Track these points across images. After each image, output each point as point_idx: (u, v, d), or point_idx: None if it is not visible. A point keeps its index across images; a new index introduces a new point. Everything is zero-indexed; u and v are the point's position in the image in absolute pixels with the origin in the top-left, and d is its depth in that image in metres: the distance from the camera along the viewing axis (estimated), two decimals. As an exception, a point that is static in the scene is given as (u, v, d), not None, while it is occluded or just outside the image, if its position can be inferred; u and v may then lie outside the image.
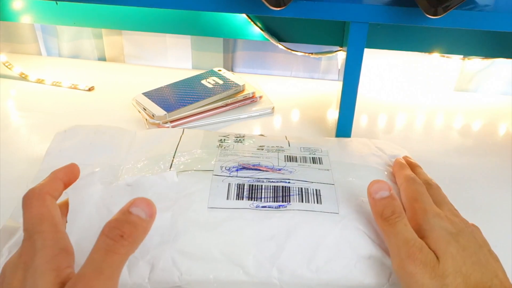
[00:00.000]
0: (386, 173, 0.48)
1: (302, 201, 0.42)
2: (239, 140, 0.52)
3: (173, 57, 0.84)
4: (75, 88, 0.75)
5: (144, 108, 0.64)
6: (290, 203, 0.41)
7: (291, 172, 0.45)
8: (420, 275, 0.33)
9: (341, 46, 0.73)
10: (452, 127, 0.67)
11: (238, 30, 0.74)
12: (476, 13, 0.52)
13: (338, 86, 0.65)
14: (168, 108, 0.63)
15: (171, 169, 0.44)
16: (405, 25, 0.55)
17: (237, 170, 0.45)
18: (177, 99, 0.65)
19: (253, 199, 0.42)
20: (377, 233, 0.40)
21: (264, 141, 0.52)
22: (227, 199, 0.41)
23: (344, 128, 0.61)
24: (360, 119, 0.68)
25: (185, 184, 0.43)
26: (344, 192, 0.43)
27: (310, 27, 0.73)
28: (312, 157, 0.49)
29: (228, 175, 0.44)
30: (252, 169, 0.45)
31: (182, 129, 0.54)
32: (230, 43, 0.81)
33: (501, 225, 0.48)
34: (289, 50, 0.76)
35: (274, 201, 0.42)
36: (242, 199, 0.41)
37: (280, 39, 0.75)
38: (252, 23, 0.73)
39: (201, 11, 0.70)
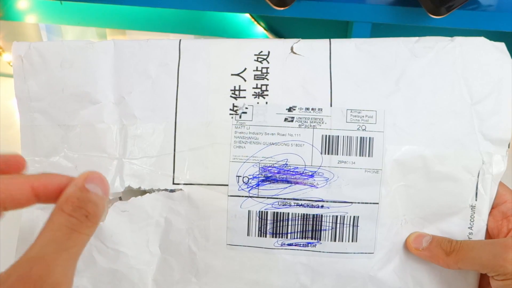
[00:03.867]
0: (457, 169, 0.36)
1: (335, 240, 0.35)
2: (261, 89, 0.37)
3: (176, 56, 0.84)
4: (79, 87, 0.75)
5: (148, 108, 0.64)
6: (320, 241, 0.35)
7: (327, 180, 0.35)
8: None
9: (344, 46, 0.73)
10: (455, 127, 0.67)
11: (241, 29, 0.75)
12: (479, 13, 0.52)
13: (341, 85, 0.65)
14: (171, 107, 0.63)
15: (175, 179, 0.36)
16: (408, 25, 0.55)
17: (257, 185, 0.35)
18: (180, 98, 0.65)
19: (278, 235, 0.35)
20: (412, 273, 0.36)
21: (295, 89, 0.38)
22: (247, 235, 0.35)
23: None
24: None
25: (195, 208, 0.36)
26: (389, 212, 0.35)
27: (313, 27, 0.73)
28: (361, 138, 0.36)
29: (247, 193, 0.35)
30: (278, 180, 0.35)
31: (178, 43, 0.39)
32: (234, 42, 0.81)
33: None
34: (292, 50, 0.76)
35: (303, 237, 0.35)
36: (266, 236, 0.35)
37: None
38: (255, 23, 0.73)
39: (204, 10, 0.70)
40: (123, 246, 0.35)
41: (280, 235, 0.35)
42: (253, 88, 0.37)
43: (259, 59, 0.38)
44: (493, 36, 0.71)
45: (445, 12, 0.49)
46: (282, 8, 0.51)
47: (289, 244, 0.35)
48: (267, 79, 0.37)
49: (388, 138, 0.36)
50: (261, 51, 0.38)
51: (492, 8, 0.53)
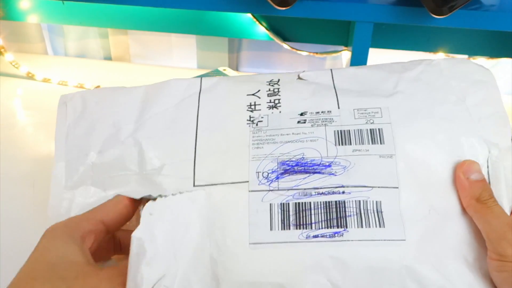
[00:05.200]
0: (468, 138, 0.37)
1: (362, 226, 0.34)
2: (274, 102, 0.40)
3: (178, 56, 0.84)
4: (81, 87, 0.75)
5: (149, 107, 0.64)
6: (347, 229, 0.34)
7: (344, 168, 0.36)
8: None
9: (346, 46, 0.73)
10: (457, 127, 0.67)
11: (243, 29, 0.75)
12: (482, 13, 0.52)
13: (343, 85, 0.65)
14: (173, 107, 0.63)
15: (196, 181, 0.36)
16: (410, 25, 0.55)
17: (277, 178, 0.36)
18: (182, 98, 0.65)
19: (302, 226, 0.34)
20: (452, 265, 0.34)
21: (305, 97, 0.40)
22: (270, 229, 0.34)
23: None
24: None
25: (216, 209, 0.35)
26: (410, 199, 0.35)
27: (315, 27, 0.73)
28: (370, 130, 0.38)
29: (268, 187, 0.35)
30: (296, 171, 0.36)
31: (199, 82, 0.43)
32: (235, 42, 0.81)
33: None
34: (294, 50, 0.76)
35: (328, 227, 0.34)
36: (289, 228, 0.34)
37: (285, 38, 0.75)
38: (257, 22, 0.73)
39: (206, 10, 0.70)
40: None
41: (304, 226, 0.34)
42: (267, 102, 0.40)
43: (271, 83, 0.42)
44: (495, 36, 0.71)
45: (447, 12, 0.49)
46: (284, 8, 0.51)
47: (315, 236, 0.34)
48: (279, 95, 0.41)
49: (396, 128, 0.38)
50: (272, 79, 0.42)
51: (494, 8, 0.53)
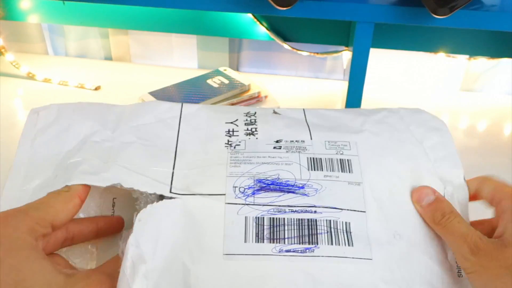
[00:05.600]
0: (423, 173, 0.41)
1: (332, 243, 0.36)
2: (251, 130, 0.43)
3: (179, 56, 0.84)
4: (81, 87, 0.75)
5: (150, 108, 0.64)
6: (318, 246, 0.35)
7: (316, 190, 0.38)
8: (486, 264, 0.32)
9: (347, 46, 0.73)
10: (458, 127, 0.67)
11: (244, 29, 0.75)
12: (482, 13, 0.52)
13: (344, 86, 0.65)
14: (174, 107, 0.63)
15: (173, 189, 0.37)
16: (411, 25, 0.55)
17: (253, 193, 0.37)
18: (183, 98, 0.66)
19: (275, 240, 0.35)
20: (417, 282, 0.36)
21: (280, 127, 0.44)
22: (245, 241, 0.35)
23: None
24: (365, 119, 0.68)
25: (192, 218, 0.36)
26: (375, 223, 0.37)
27: (315, 27, 0.73)
28: (340, 160, 0.41)
29: (244, 201, 0.37)
30: (272, 189, 0.38)
31: (180, 107, 0.45)
32: (236, 42, 0.81)
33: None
34: (295, 50, 0.76)
35: (300, 243, 0.35)
36: (263, 241, 0.35)
37: (285, 38, 0.75)
38: (257, 22, 0.73)
39: (207, 10, 0.70)
40: None
41: (278, 240, 0.35)
42: (245, 130, 0.43)
43: (248, 115, 0.45)
44: (496, 36, 0.71)
45: (448, 12, 0.49)
46: (284, 8, 0.51)
47: (287, 250, 0.35)
48: (256, 125, 0.44)
49: (363, 160, 0.41)
50: (249, 111, 0.45)
51: (495, 8, 0.53)
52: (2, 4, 0.76)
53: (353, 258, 0.35)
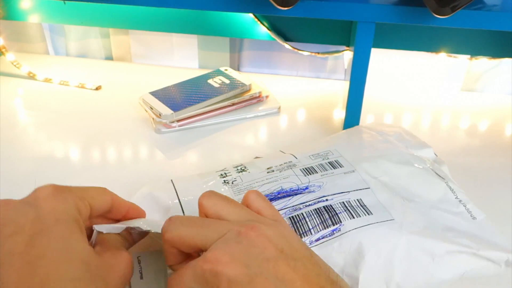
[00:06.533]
0: (406, 157, 0.47)
1: (353, 217, 0.39)
2: (241, 169, 0.47)
3: (179, 56, 0.84)
4: (82, 87, 0.75)
5: (151, 107, 0.64)
6: (342, 223, 0.38)
7: (320, 186, 0.42)
8: None
9: (348, 46, 0.73)
10: (459, 127, 0.67)
11: (245, 29, 0.75)
12: (484, 13, 0.52)
13: (345, 85, 0.65)
14: (175, 107, 0.63)
15: None
16: (412, 25, 0.55)
17: None
18: (183, 98, 0.66)
19: (302, 235, 0.37)
20: (440, 227, 0.39)
21: (267, 162, 0.48)
22: None
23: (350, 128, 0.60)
24: (366, 119, 0.68)
25: None
26: (383, 194, 0.42)
27: (316, 27, 0.73)
28: (329, 162, 0.46)
29: None
30: (280, 197, 0.41)
31: (170, 180, 0.47)
32: (237, 42, 0.81)
33: (509, 226, 0.48)
34: (296, 50, 0.76)
35: (325, 227, 0.38)
36: None
37: (286, 38, 0.75)
38: (258, 22, 0.73)
39: (207, 10, 0.70)
40: None
41: (305, 234, 0.37)
42: (236, 172, 0.47)
43: (235, 166, 0.48)
44: (497, 36, 0.71)
45: (450, 12, 0.49)
46: (285, 8, 0.51)
47: (317, 239, 0.37)
48: (244, 165, 0.48)
49: (348, 157, 0.47)
50: (236, 164, 0.49)
51: (496, 8, 0.53)
52: (2, 3, 0.76)
53: (377, 222, 0.38)
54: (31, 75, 0.77)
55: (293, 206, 0.40)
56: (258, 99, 0.70)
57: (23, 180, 0.53)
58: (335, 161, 0.46)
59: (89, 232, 0.35)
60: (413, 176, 0.46)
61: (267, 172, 0.45)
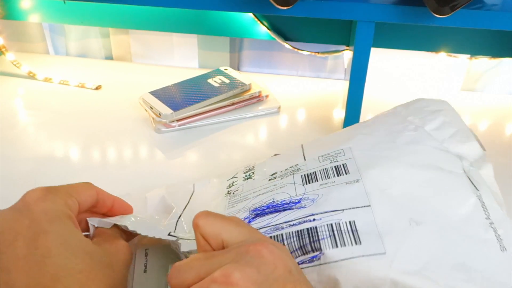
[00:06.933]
0: (434, 157, 0.39)
1: (336, 246, 0.33)
2: (249, 175, 0.45)
3: (179, 56, 0.84)
4: (82, 87, 0.75)
5: (151, 107, 0.64)
6: (323, 251, 0.33)
7: (313, 200, 0.37)
8: None
9: (348, 46, 0.73)
10: (459, 126, 0.67)
11: (245, 29, 0.75)
12: (484, 13, 0.52)
13: (345, 85, 0.65)
14: (174, 107, 0.63)
15: (171, 233, 0.38)
16: (412, 25, 0.55)
17: (249, 222, 0.37)
18: (183, 98, 0.66)
19: None
20: (449, 263, 0.32)
21: (277, 164, 0.45)
22: None
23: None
24: (366, 118, 0.68)
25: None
26: (385, 214, 0.35)
27: (316, 26, 0.73)
28: (335, 167, 0.40)
29: None
30: (267, 213, 0.37)
31: (192, 185, 0.48)
32: (237, 42, 0.81)
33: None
34: (296, 49, 0.76)
35: (303, 253, 0.34)
36: None
37: (286, 38, 0.75)
38: (258, 22, 0.73)
39: (207, 10, 0.70)
40: None
41: None
42: (243, 179, 0.45)
43: (247, 167, 0.47)
44: (497, 35, 0.71)
45: (449, 11, 0.49)
46: (285, 8, 0.51)
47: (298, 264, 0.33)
48: (253, 170, 0.46)
49: (359, 159, 0.40)
50: (249, 165, 0.48)
51: (496, 7, 0.53)
52: (3, 3, 0.76)
53: (363, 256, 0.32)
54: (31, 74, 0.77)
55: (276, 224, 0.36)
56: (258, 98, 0.70)
57: (23, 180, 0.53)
58: (342, 165, 0.40)
59: (83, 226, 0.37)
60: (435, 184, 0.37)
61: (269, 180, 0.42)
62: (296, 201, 0.38)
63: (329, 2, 0.54)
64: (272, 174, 0.43)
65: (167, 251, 0.39)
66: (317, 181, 0.39)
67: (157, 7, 0.73)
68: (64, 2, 0.67)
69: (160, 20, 0.76)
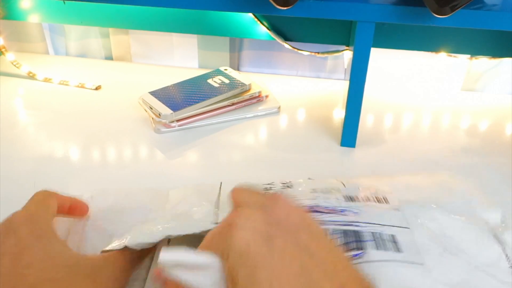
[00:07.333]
0: (465, 211, 0.43)
1: (378, 249, 0.36)
2: (287, 185, 0.47)
3: (179, 56, 0.84)
4: (82, 87, 0.75)
5: (150, 107, 0.64)
6: (365, 251, 0.35)
7: (356, 213, 0.40)
8: None
9: (348, 46, 0.73)
10: (459, 127, 0.67)
11: (245, 29, 0.75)
12: (484, 13, 0.52)
13: (345, 85, 0.65)
14: (174, 107, 0.63)
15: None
16: (412, 25, 0.55)
17: None
18: (183, 98, 0.66)
19: None
20: None
21: (313, 184, 0.47)
22: None
23: (350, 127, 0.60)
24: (366, 119, 0.68)
25: None
26: (422, 238, 0.38)
27: (316, 27, 0.73)
28: (376, 196, 0.44)
29: None
30: (313, 211, 0.40)
31: (220, 183, 0.48)
32: (237, 42, 0.81)
33: (509, 225, 0.48)
34: (296, 50, 0.76)
35: (347, 250, 0.36)
36: None
37: (286, 38, 0.75)
38: (258, 22, 0.73)
39: (207, 10, 0.70)
40: None
41: None
42: (281, 185, 0.46)
43: (286, 183, 0.48)
44: (497, 35, 0.71)
45: (449, 11, 0.49)
46: (285, 8, 0.51)
47: None
48: (291, 183, 0.47)
49: (400, 196, 0.44)
50: (284, 180, 0.48)
51: (496, 7, 0.53)
52: (2, 3, 0.76)
53: (403, 262, 0.34)
54: (31, 75, 0.77)
55: (323, 220, 0.38)
56: (257, 98, 0.70)
57: (23, 180, 0.53)
58: (383, 197, 0.44)
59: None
60: (465, 230, 0.41)
61: (310, 192, 0.45)
62: (340, 210, 0.40)
63: (329, 2, 0.54)
64: (313, 189, 0.45)
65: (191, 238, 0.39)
66: (359, 201, 0.42)
67: (157, 7, 0.73)
68: (64, 2, 0.67)
69: (160, 20, 0.76)
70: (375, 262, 0.34)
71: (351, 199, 0.43)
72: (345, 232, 0.37)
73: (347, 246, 0.36)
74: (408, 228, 0.38)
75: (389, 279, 0.34)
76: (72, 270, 0.33)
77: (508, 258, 0.39)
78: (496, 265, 0.38)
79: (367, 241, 0.36)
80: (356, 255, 0.35)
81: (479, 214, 0.44)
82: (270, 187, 0.46)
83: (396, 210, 0.41)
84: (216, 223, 0.38)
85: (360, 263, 0.34)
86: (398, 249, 0.36)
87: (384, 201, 0.43)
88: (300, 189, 0.46)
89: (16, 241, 0.34)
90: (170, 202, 0.46)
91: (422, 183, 0.48)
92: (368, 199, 0.42)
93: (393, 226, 0.38)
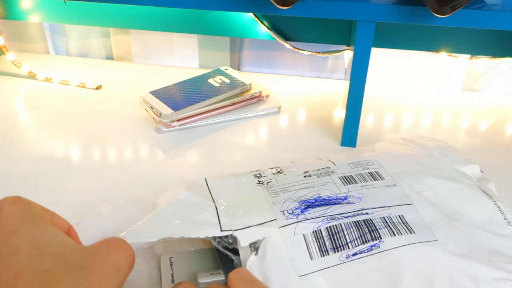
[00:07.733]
0: (450, 172, 0.45)
1: (394, 234, 0.37)
2: (277, 171, 0.46)
3: (180, 56, 0.84)
4: (83, 86, 0.75)
5: (151, 107, 0.64)
6: (382, 240, 0.36)
7: (359, 198, 0.41)
8: None
9: (348, 45, 0.73)
10: (459, 126, 0.67)
11: (245, 29, 0.75)
12: (484, 12, 0.52)
13: (345, 85, 0.65)
14: (175, 106, 0.63)
15: (223, 227, 0.37)
16: (412, 25, 0.55)
17: (302, 212, 0.39)
18: (184, 98, 0.66)
19: (339, 249, 0.36)
20: (486, 251, 0.37)
21: (303, 166, 0.47)
22: (311, 259, 0.35)
23: (350, 127, 0.60)
24: (366, 118, 0.68)
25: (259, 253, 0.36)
26: (426, 211, 0.40)
27: (317, 26, 0.73)
28: (369, 173, 0.45)
29: (296, 219, 0.38)
30: (318, 205, 0.40)
31: (204, 179, 0.46)
32: (237, 42, 0.81)
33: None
34: (296, 49, 0.76)
35: (364, 242, 0.36)
36: (328, 253, 0.35)
37: (287, 38, 0.75)
38: (259, 22, 0.73)
39: (208, 10, 0.70)
40: None
41: (341, 248, 0.36)
42: (272, 174, 0.45)
43: (273, 167, 0.47)
44: (498, 35, 0.71)
45: (450, 11, 0.49)
46: (285, 8, 0.51)
47: (354, 254, 0.35)
48: (280, 168, 0.46)
49: (389, 169, 0.45)
50: (272, 166, 0.47)
51: (497, 7, 0.53)
52: (3, 3, 0.76)
53: (419, 242, 0.36)
54: (31, 74, 0.77)
55: (331, 215, 0.38)
56: (258, 98, 0.70)
57: (23, 180, 0.53)
58: (375, 172, 0.45)
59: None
60: (458, 192, 0.43)
61: (304, 177, 0.44)
62: (343, 197, 0.41)
63: (329, 2, 0.54)
64: (305, 172, 0.45)
65: (192, 257, 0.39)
66: (357, 183, 0.43)
67: (157, 7, 0.73)
68: (65, 2, 0.67)
69: (160, 20, 0.76)
70: (393, 249, 0.36)
71: (348, 181, 0.43)
72: (357, 224, 0.37)
73: (363, 238, 0.36)
74: (411, 204, 0.40)
75: (409, 262, 0.35)
76: (62, 259, 0.30)
77: (501, 210, 0.42)
78: (493, 220, 0.40)
79: (380, 228, 0.37)
80: (372, 246, 0.36)
81: (462, 171, 0.46)
82: (260, 174, 0.45)
83: (393, 186, 0.42)
84: (223, 230, 0.37)
85: (378, 253, 0.35)
86: (410, 230, 0.37)
87: (378, 176, 0.44)
88: (291, 174, 0.45)
89: (2, 222, 0.31)
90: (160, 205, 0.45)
91: (403, 150, 0.50)
92: (364, 179, 0.43)
93: (398, 205, 0.40)
